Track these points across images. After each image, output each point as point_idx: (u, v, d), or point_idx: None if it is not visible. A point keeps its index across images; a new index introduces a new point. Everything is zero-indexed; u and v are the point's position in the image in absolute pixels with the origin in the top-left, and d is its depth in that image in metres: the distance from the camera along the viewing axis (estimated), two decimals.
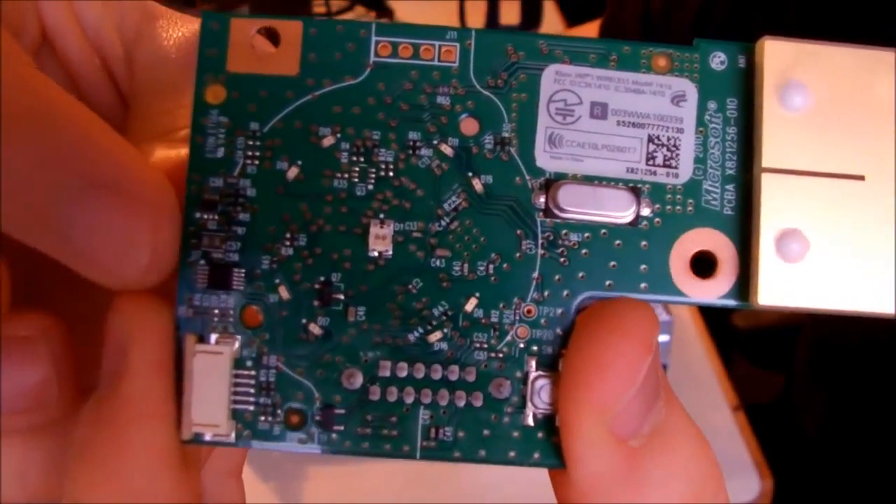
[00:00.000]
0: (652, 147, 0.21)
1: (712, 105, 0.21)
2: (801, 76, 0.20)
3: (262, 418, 0.20)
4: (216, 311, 0.20)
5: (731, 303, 0.20)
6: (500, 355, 0.20)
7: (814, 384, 0.86)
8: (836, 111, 0.20)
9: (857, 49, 0.20)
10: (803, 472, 0.75)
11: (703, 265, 0.20)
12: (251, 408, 0.20)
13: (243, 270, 0.20)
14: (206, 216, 0.20)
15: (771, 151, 0.20)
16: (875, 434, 0.82)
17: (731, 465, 0.47)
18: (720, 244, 0.20)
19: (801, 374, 0.87)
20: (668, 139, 0.21)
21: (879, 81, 0.20)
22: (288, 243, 0.20)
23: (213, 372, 0.20)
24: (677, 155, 0.21)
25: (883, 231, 0.20)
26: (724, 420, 0.50)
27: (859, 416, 0.83)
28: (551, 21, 0.92)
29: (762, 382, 0.97)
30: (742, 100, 0.21)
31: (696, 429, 0.19)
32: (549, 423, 0.20)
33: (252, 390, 0.20)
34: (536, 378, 0.20)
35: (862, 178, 0.20)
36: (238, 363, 0.20)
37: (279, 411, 0.20)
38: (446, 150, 0.20)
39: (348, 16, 0.95)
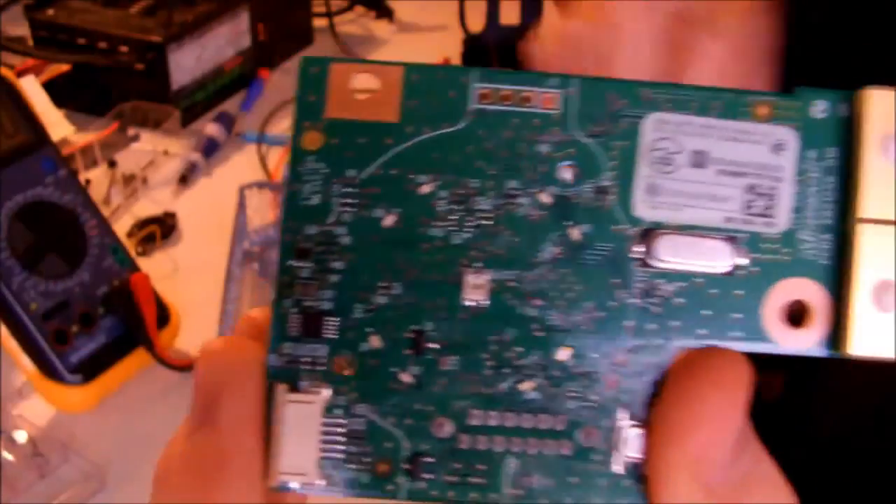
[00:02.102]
0: (751, 196, 0.20)
1: (812, 154, 0.20)
2: None
3: (351, 467, 0.20)
4: (308, 360, 0.20)
5: (823, 352, 0.20)
6: (592, 405, 0.20)
7: (814, 384, 0.85)
8: None
9: None
10: (803, 473, 0.75)
11: (797, 314, 0.20)
12: (340, 456, 0.20)
13: (336, 319, 0.20)
14: (300, 264, 0.20)
15: (869, 202, 0.20)
16: (876, 434, 0.82)
17: None
18: (815, 294, 0.20)
19: (801, 374, 0.87)
20: (767, 188, 0.20)
21: None
22: (382, 292, 0.20)
23: (302, 421, 0.20)
24: (775, 204, 0.20)
25: None
26: None
27: (859, 417, 0.82)
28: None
29: (762, 382, 0.97)
30: (843, 149, 0.20)
31: (782, 478, 0.19)
32: (637, 471, 0.20)
33: (341, 439, 0.20)
34: (627, 427, 0.20)
35: None
36: (328, 411, 0.20)
37: (368, 459, 0.20)
38: (545, 198, 0.20)
39: (348, 16, 0.95)
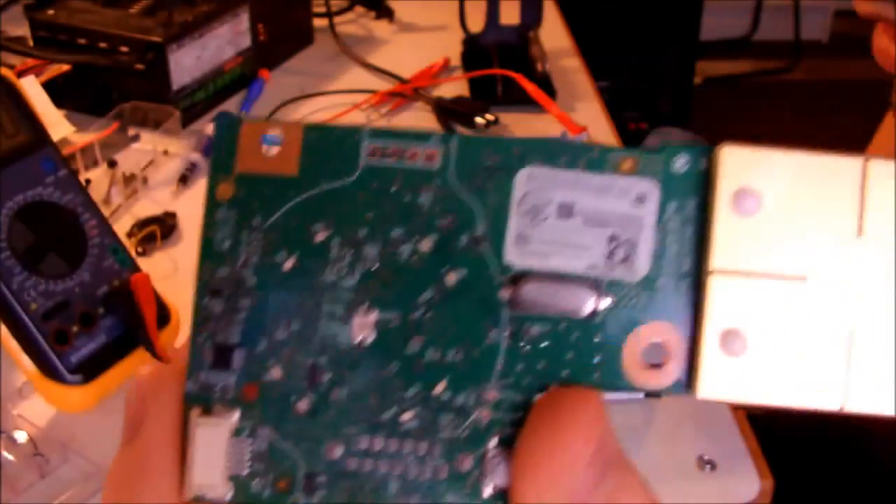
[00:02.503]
0: (613, 245, 0.22)
1: (672, 205, 0.22)
2: (755, 182, 0.21)
3: (255, 482, 0.22)
4: (219, 387, 0.22)
5: (679, 392, 0.22)
6: (465, 434, 0.22)
7: None
8: (788, 215, 0.21)
9: (817, 156, 0.21)
10: (803, 473, 0.75)
11: (655, 356, 0.22)
12: (245, 472, 0.22)
13: (244, 351, 0.22)
14: (213, 302, 0.22)
15: (720, 253, 0.21)
16: (876, 434, 0.82)
17: (731, 465, 0.47)
18: (671, 337, 0.22)
19: None
20: (628, 237, 0.22)
21: (839, 186, 0.21)
22: (283, 328, 0.22)
23: (213, 440, 0.22)
24: (636, 252, 0.22)
25: (824, 329, 0.21)
26: (724, 420, 0.50)
27: (859, 417, 0.83)
28: (551, 21, 0.92)
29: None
30: (701, 201, 0.22)
31: (648, 495, 0.22)
32: (504, 496, 0.22)
33: (247, 457, 0.22)
34: (495, 456, 0.22)
35: (804, 278, 0.21)
36: (236, 433, 0.22)
37: (270, 476, 0.22)
38: (425, 246, 0.22)
39: (348, 16, 0.95)
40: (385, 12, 0.95)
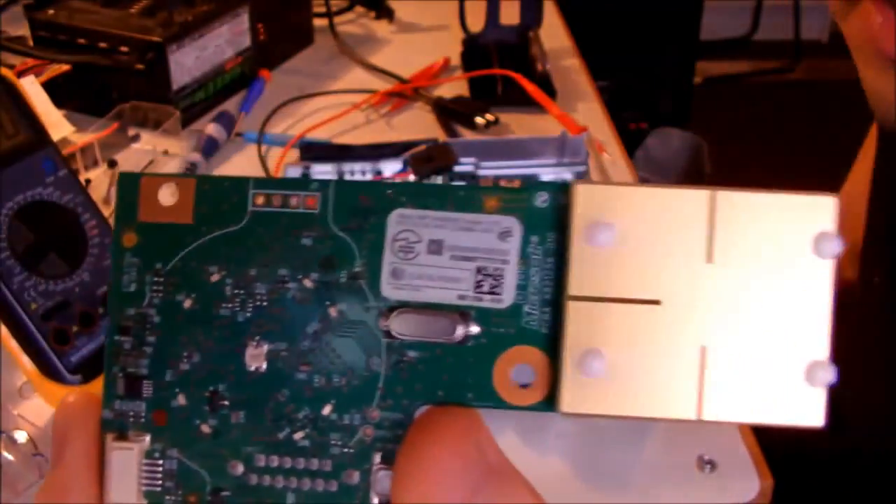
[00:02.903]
0: (480, 277, 0.24)
1: (534, 239, 0.24)
2: (608, 215, 0.23)
3: (168, 498, 0.25)
4: (131, 414, 0.25)
5: (545, 409, 0.23)
6: (351, 451, 0.24)
7: None
8: (641, 245, 0.23)
9: (667, 189, 0.23)
10: (803, 472, 0.75)
11: (524, 377, 0.24)
12: (158, 489, 0.25)
13: (151, 381, 0.25)
14: (123, 339, 0.25)
15: (576, 281, 0.23)
16: (875, 433, 0.82)
17: (731, 465, 0.47)
18: (537, 359, 0.24)
19: None
20: (495, 269, 0.24)
21: (688, 217, 0.23)
22: (185, 360, 0.25)
23: (126, 463, 0.25)
24: (501, 283, 0.24)
25: (678, 347, 0.23)
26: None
27: (859, 415, 0.83)
28: (551, 21, 0.92)
29: None
30: (560, 234, 0.23)
31: (532, 497, 0.23)
32: None
33: (159, 476, 0.25)
34: (379, 470, 0.24)
35: (658, 302, 0.23)
36: (147, 454, 0.25)
37: (181, 493, 0.25)
38: (308, 283, 0.24)
39: (348, 16, 0.95)
40: (385, 12, 0.95)
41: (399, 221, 0.24)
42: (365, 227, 0.24)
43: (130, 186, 0.25)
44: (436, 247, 0.24)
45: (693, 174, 1.53)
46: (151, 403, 0.25)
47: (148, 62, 0.73)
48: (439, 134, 0.74)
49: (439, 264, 0.24)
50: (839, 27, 0.47)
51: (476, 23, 0.86)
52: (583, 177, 0.62)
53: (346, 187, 0.24)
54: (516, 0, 0.86)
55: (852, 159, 0.68)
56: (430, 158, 0.60)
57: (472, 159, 0.61)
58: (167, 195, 0.25)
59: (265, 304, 0.25)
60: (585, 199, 0.23)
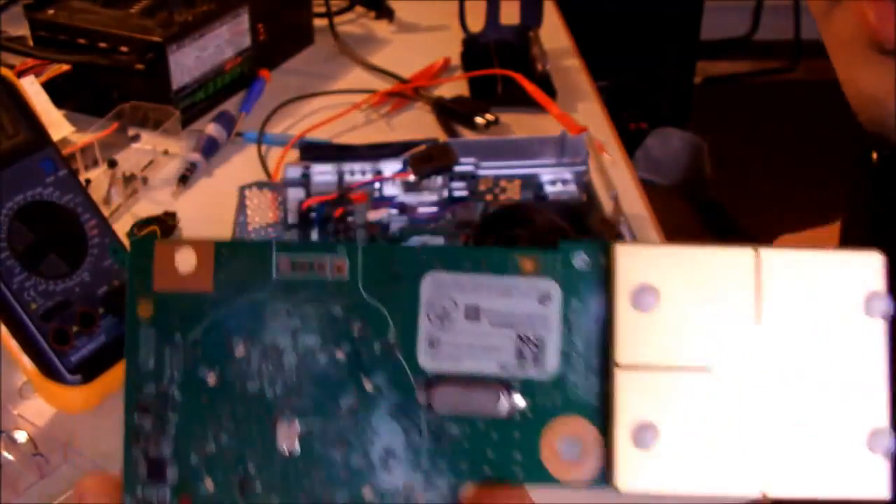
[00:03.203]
0: (521, 345, 0.23)
1: (575, 303, 0.23)
2: (652, 278, 0.22)
3: None
4: (156, 500, 0.23)
5: (600, 486, 0.22)
6: None
7: None
8: (687, 308, 0.22)
9: (710, 250, 0.22)
10: None
11: (573, 450, 0.22)
12: None
13: (176, 465, 0.23)
14: (143, 419, 0.23)
15: (624, 349, 0.22)
16: None
17: None
18: (586, 431, 0.22)
19: None
20: (535, 336, 0.23)
21: (734, 277, 0.22)
22: (212, 441, 0.23)
23: None
24: (544, 351, 0.23)
25: (733, 415, 0.22)
26: None
27: None
28: (551, 21, 0.92)
29: None
30: (603, 297, 0.22)
31: None
32: None
33: None
34: None
35: (705, 369, 0.22)
36: None
37: None
38: (340, 355, 0.23)
39: (348, 16, 0.95)
40: (385, 12, 0.95)
41: (433, 286, 0.23)
42: (397, 294, 0.23)
43: (144, 253, 0.23)
44: (473, 313, 0.23)
45: (693, 174, 1.52)
46: (177, 489, 0.23)
47: (148, 62, 0.72)
48: (439, 134, 0.74)
49: (478, 332, 0.23)
50: (819, 27, 0.45)
51: (476, 23, 0.86)
52: (583, 177, 0.62)
53: (375, 252, 0.23)
54: (516, 0, 0.86)
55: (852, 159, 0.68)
56: (430, 158, 0.60)
57: (472, 159, 0.61)
58: (184, 261, 0.23)
59: (295, 378, 0.23)
60: (627, 262, 0.22)
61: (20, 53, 0.75)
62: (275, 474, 0.23)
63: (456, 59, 0.86)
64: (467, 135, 0.75)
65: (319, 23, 0.91)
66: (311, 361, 0.23)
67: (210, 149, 0.72)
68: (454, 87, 0.82)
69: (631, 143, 0.71)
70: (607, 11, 1.72)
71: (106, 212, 0.56)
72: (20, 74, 0.71)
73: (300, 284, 0.23)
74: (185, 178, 0.68)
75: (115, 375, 0.48)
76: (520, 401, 0.23)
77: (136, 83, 0.73)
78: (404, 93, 0.80)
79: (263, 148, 0.73)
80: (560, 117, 0.73)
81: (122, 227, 0.61)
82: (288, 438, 0.23)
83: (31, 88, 0.66)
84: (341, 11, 0.95)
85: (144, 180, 0.68)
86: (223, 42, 0.78)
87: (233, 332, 0.23)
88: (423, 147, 0.62)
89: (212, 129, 0.73)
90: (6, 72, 0.49)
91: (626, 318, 0.22)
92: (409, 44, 0.91)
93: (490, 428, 0.23)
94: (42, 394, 0.47)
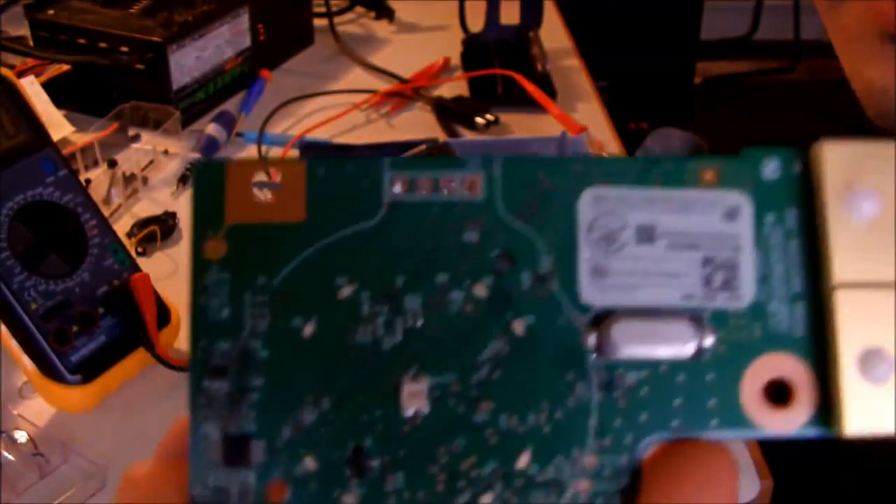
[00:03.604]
0: (709, 269, 0.19)
1: (770, 218, 0.19)
2: (866, 180, 0.19)
3: None
4: (236, 490, 0.18)
5: (815, 432, 0.18)
6: None
7: None
8: None
9: None
10: (803, 472, 0.75)
11: (778, 394, 0.19)
12: None
13: (262, 442, 0.18)
14: (215, 384, 0.18)
15: (843, 265, 0.18)
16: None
17: None
18: (795, 370, 0.19)
19: None
20: (726, 259, 0.19)
21: None
22: (311, 408, 0.18)
23: None
24: (737, 276, 0.19)
25: None
26: None
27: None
28: (551, 21, 0.92)
29: None
30: (802, 210, 0.19)
31: None
32: None
33: None
34: None
35: None
36: None
37: None
38: (480, 291, 0.19)
39: (348, 16, 0.95)
40: (385, 12, 0.95)
41: (594, 204, 0.19)
42: (547, 215, 0.19)
43: (212, 179, 0.19)
44: (646, 234, 0.19)
45: None
46: (265, 472, 0.18)
47: (148, 62, 0.73)
48: (439, 134, 0.74)
49: (654, 255, 0.19)
50: (824, 22, 0.44)
51: (476, 23, 0.86)
52: None
53: (517, 165, 0.19)
54: (516, 0, 0.86)
55: None
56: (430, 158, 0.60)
57: None
58: (266, 186, 0.19)
59: (420, 323, 0.18)
60: (837, 163, 0.19)
61: (20, 53, 0.75)
62: (398, 445, 0.18)
63: (456, 59, 0.86)
64: (467, 135, 0.75)
65: (319, 23, 0.91)
66: (441, 301, 0.18)
67: (210, 149, 0.72)
68: (454, 87, 0.82)
69: (631, 143, 0.71)
70: (607, 11, 1.72)
71: (106, 212, 0.56)
72: (20, 74, 0.71)
73: (421, 208, 0.19)
74: (185, 178, 0.68)
75: (116, 375, 0.48)
76: (711, 336, 0.19)
77: (136, 83, 0.73)
78: (404, 93, 0.80)
79: (264, 148, 0.73)
80: (560, 117, 0.73)
81: (122, 227, 0.61)
82: (415, 399, 0.18)
83: (31, 88, 0.66)
84: (341, 11, 0.95)
85: (144, 180, 0.68)
86: (223, 42, 0.78)
87: (335, 269, 0.18)
88: (423, 147, 0.62)
89: (212, 129, 0.73)
90: (6, 72, 0.49)
91: (840, 228, 0.18)
92: (409, 44, 0.91)
93: (676, 372, 0.18)
94: (42, 394, 0.47)
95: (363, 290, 0.18)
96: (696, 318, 0.19)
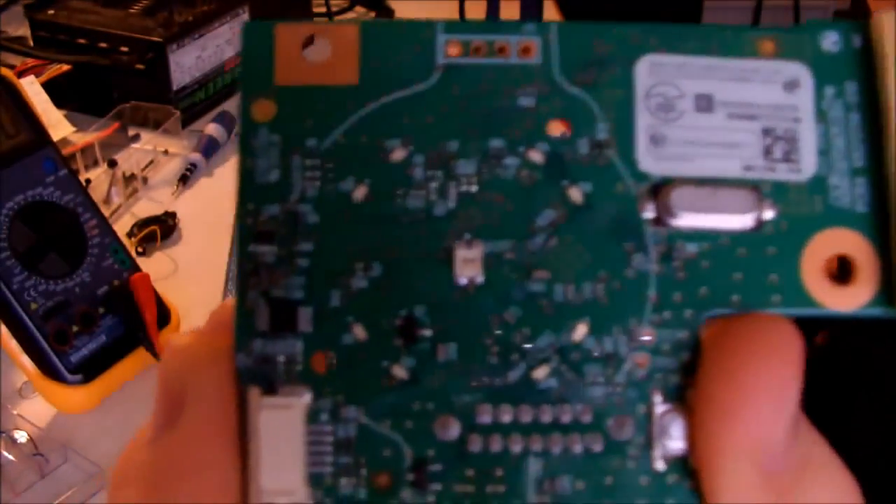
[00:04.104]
0: (769, 140, 0.18)
1: (830, 90, 0.18)
2: None
3: (345, 481, 0.17)
4: (282, 358, 0.17)
5: (877, 311, 0.18)
6: (619, 389, 0.17)
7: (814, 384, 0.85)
8: None
9: None
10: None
11: (840, 271, 0.18)
12: (331, 469, 0.17)
13: (310, 309, 0.17)
14: (263, 249, 0.18)
15: None
16: (874, 433, 0.82)
17: None
18: (856, 245, 0.18)
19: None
20: (786, 131, 0.18)
21: None
22: (361, 274, 0.17)
23: (283, 429, 0.17)
24: (797, 148, 0.18)
25: None
26: None
27: (858, 415, 0.82)
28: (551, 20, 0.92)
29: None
30: (864, 83, 0.18)
31: (839, 460, 0.17)
32: (682, 465, 0.17)
33: (330, 449, 0.17)
34: (664, 413, 0.17)
35: None
36: (312, 417, 0.17)
37: (364, 472, 0.17)
38: (535, 156, 0.18)
39: (348, 16, 0.95)
40: (385, 12, 0.95)
41: (652, 71, 0.18)
42: (606, 80, 0.18)
43: (261, 39, 0.18)
44: (705, 103, 0.18)
45: None
46: (312, 341, 0.17)
47: (148, 62, 0.73)
48: None
49: (713, 125, 0.18)
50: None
51: None
52: None
53: (573, 30, 0.19)
54: (516, 0, 0.86)
55: None
56: None
57: None
58: (318, 48, 0.18)
59: (474, 188, 0.18)
60: None
61: (20, 53, 0.75)
62: (452, 313, 0.17)
63: None
64: None
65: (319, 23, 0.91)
66: (496, 167, 0.18)
67: (210, 149, 0.72)
68: None
69: None
70: (607, 11, 1.72)
71: (106, 212, 0.56)
72: (20, 74, 0.71)
73: (476, 70, 0.18)
74: (185, 178, 0.68)
75: (116, 375, 0.48)
76: (772, 208, 0.18)
77: (137, 83, 0.73)
78: None
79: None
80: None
81: (122, 227, 0.61)
82: (469, 265, 0.17)
83: (31, 88, 0.66)
84: (341, 11, 0.95)
85: (144, 180, 0.68)
86: (223, 42, 0.78)
87: (387, 132, 0.18)
88: None
89: (212, 129, 0.73)
90: (6, 72, 0.49)
91: None
92: None
93: (736, 244, 0.18)
94: (42, 394, 0.47)
95: (416, 153, 0.18)
96: (757, 189, 0.18)
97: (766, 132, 0.18)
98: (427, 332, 0.17)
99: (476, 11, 0.87)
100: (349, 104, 0.18)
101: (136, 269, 0.50)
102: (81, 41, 0.74)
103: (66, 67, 0.74)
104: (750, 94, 0.18)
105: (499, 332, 0.17)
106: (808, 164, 0.18)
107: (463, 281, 0.18)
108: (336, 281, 0.18)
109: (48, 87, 0.71)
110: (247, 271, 0.18)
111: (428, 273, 0.18)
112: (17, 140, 0.47)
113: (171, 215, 0.64)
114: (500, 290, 0.18)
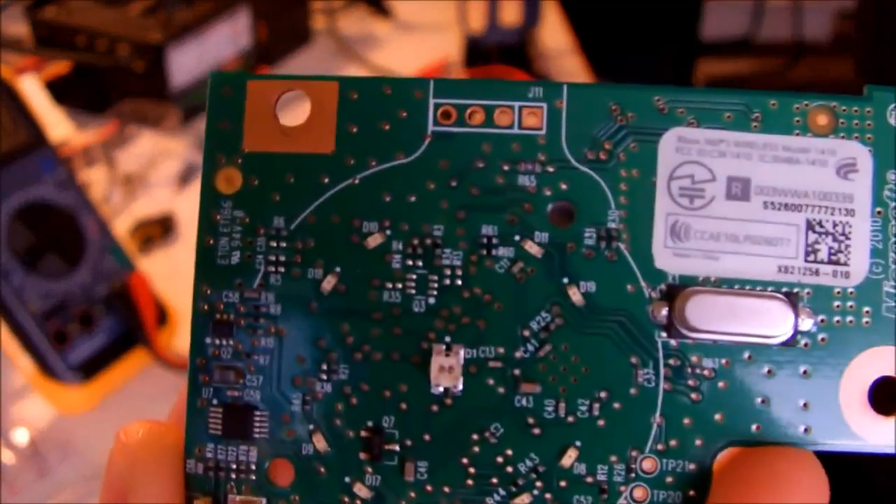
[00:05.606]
0: (813, 237, 0.15)
1: (894, 176, 0.15)
2: None
3: None
4: (235, 467, 0.16)
5: None
6: None
7: None
8: None
9: None
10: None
11: (887, 398, 0.15)
12: None
13: (267, 413, 0.16)
14: (218, 342, 0.16)
15: None
16: None
17: None
18: None
19: None
20: (835, 225, 0.15)
21: None
22: (325, 377, 0.16)
23: None
24: (848, 247, 0.15)
25: None
26: None
27: None
28: (551, 21, 0.92)
29: None
30: None
31: None
32: None
33: None
34: None
35: None
36: None
37: None
38: (532, 248, 0.16)
39: (348, 15, 0.95)
40: (384, 12, 0.95)
41: (678, 147, 0.15)
42: (621, 158, 0.15)
43: (230, 95, 0.16)
44: (739, 188, 0.15)
45: None
46: (269, 449, 0.16)
47: (148, 62, 0.72)
48: None
49: (746, 216, 0.15)
50: None
51: (476, 23, 0.86)
52: None
53: (587, 93, 0.16)
54: (516, 0, 0.86)
55: None
56: None
57: None
58: (293, 108, 0.16)
59: (459, 282, 0.15)
60: None
61: (20, 53, 0.75)
62: (423, 428, 0.15)
63: (456, 59, 0.86)
64: None
65: (318, 22, 0.91)
66: (485, 258, 0.15)
67: None
68: None
69: None
70: (607, 11, 1.72)
71: (106, 212, 0.56)
72: (20, 74, 0.71)
73: (469, 140, 0.16)
74: (185, 178, 0.68)
75: (115, 375, 0.48)
76: (809, 320, 0.15)
77: (136, 83, 0.73)
78: None
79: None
80: None
81: (121, 227, 0.61)
82: (446, 374, 0.15)
83: (31, 88, 0.66)
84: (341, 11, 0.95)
85: (144, 180, 0.68)
86: (223, 41, 0.78)
87: (363, 212, 0.16)
88: None
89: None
90: (6, 72, 0.49)
91: None
92: (409, 43, 0.91)
93: (761, 360, 0.15)
94: (42, 394, 0.47)
95: (395, 238, 0.16)
96: (793, 296, 0.15)
97: (811, 226, 0.15)
98: (395, 447, 0.15)
99: (476, 11, 0.86)
100: (322, 177, 0.16)
101: (136, 269, 0.50)
102: (81, 41, 0.74)
103: (65, 67, 0.74)
104: (795, 178, 0.15)
105: (476, 450, 0.15)
106: (858, 267, 0.15)
107: (439, 390, 0.15)
108: (297, 383, 0.16)
109: (48, 87, 0.71)
110: (199, 367, 0.16)
111: (400, 379, 0.15)
112: (16, 140, 0.47)
113: (170, 215, 0.64)
114: (481, 402, 0.15)
